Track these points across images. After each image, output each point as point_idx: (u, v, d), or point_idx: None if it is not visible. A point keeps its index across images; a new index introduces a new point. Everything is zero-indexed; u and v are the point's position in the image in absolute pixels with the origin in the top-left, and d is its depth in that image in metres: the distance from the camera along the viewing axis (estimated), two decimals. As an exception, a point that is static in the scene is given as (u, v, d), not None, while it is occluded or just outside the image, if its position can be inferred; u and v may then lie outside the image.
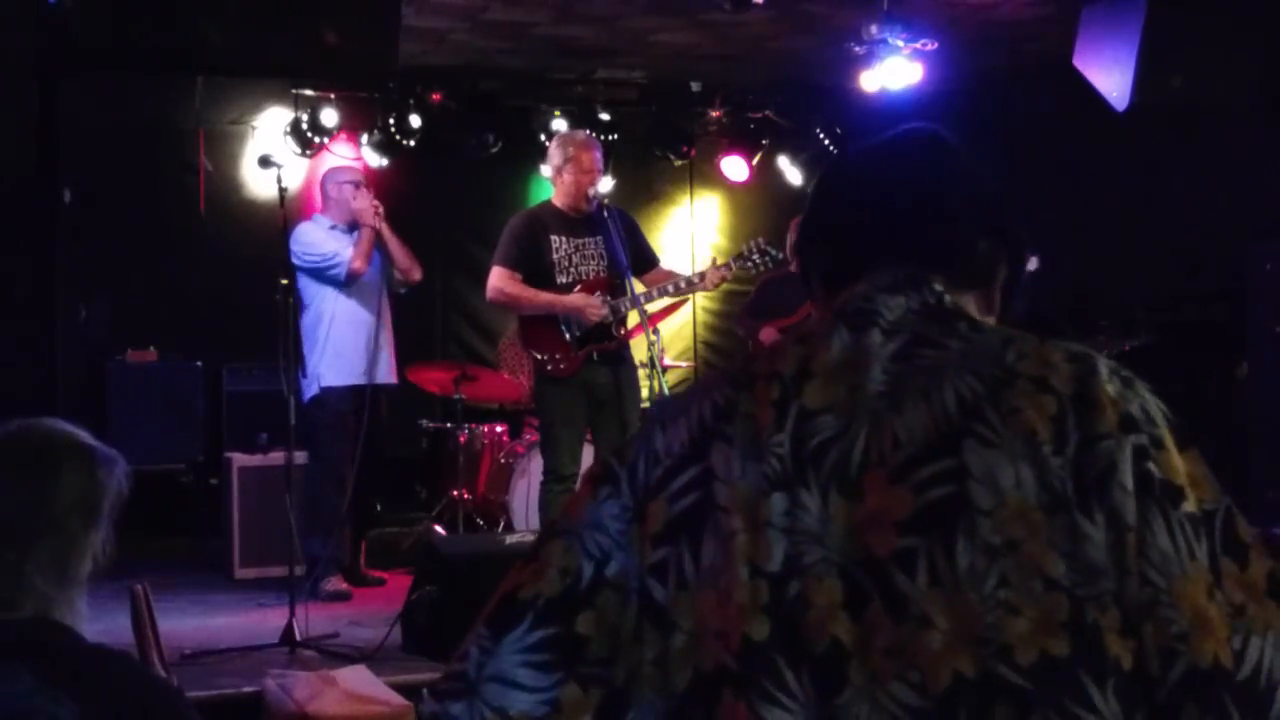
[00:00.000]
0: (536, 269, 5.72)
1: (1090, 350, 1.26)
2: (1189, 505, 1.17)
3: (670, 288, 5.84)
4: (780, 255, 6.16)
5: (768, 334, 6.99)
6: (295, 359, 5.71)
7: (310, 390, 6.19)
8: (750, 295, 7.57)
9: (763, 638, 1.16)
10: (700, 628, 1.20)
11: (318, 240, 6.22)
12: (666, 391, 6.13)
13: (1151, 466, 1.17)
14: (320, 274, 6.18)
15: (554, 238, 5.72)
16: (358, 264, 6.14)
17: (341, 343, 6.22)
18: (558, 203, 5.82)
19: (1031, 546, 1.14)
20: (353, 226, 6.30)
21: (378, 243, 6.20)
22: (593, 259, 5.76)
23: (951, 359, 1.23)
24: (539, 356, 5.74)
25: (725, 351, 9.73)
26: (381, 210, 6.20)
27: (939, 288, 1.31)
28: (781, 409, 1.24)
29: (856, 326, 1.27)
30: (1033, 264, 5.14)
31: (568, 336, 5.68)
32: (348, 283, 6.18)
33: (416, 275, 6.39)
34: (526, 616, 1.25)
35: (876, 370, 1.24)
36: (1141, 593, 1.14)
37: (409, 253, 6.34)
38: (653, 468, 1.29)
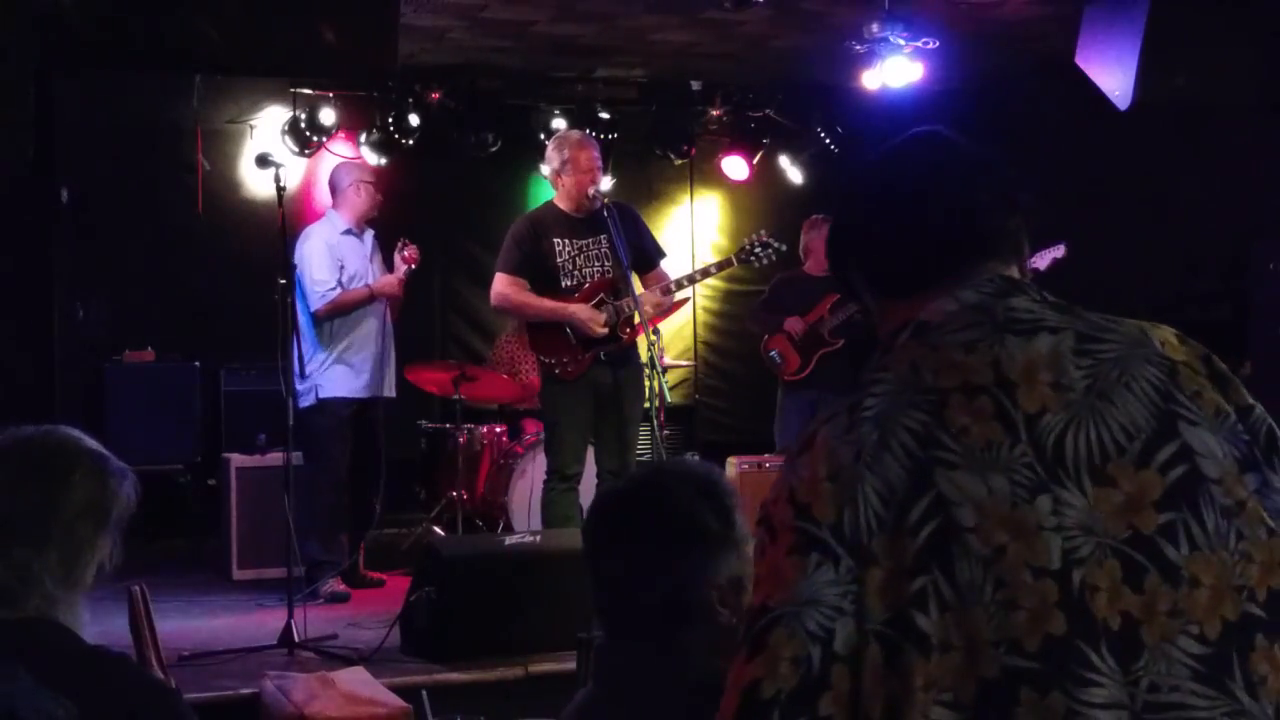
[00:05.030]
0: (540, 273, 5.72)
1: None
2: None
3: (673, 285, 5.84)
4: (783, 247, 6.16)
5: (793, 324, 7.22)
6: (295, 360, 5.67)
7: (307, 399, 6.15)
8: (765, 293, 7.64)
9: (1062, 631, 1.28)
10: (976, 642, 1.28)
11: (321, 262, 6.18)
12: (667, 392, 6.11)
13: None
14: (302, 293, 6.16)
15: (557, 241, 5.71)
16: (322, 310, 6.13)
17: (345, 353, 6.20)
18: (560, 204, 5.81)
19: (1251, 503, 1.37)
20: (364, 228, 6.31)
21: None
22: (596, 260, 5.75)
23: (1123, 351, 1.41)
24: (547, 360, 5.73)
25: (725, 351, 9.71)
26: (415, 259, 6.24)
27: (1026, 280, 1.49)
28: (1006, 420, 1.35)
29: (1022, 332, 1.40)
30: (1059, 251, 5.09)
31: (574, 340, 5.68)
32: (314, 316, 6.17)
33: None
34: (774, 715, 1.30)
35: (1070, 368, 1.38)
36: None
37: (398, 304, 6.38)
38: (876, 510, 1.32)
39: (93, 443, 1.99)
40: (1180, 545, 1.32)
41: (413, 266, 6.28)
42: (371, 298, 6.21)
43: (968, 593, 1.28)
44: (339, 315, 6.19)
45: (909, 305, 1.48)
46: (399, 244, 6.31)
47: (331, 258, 6.21)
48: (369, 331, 6.25)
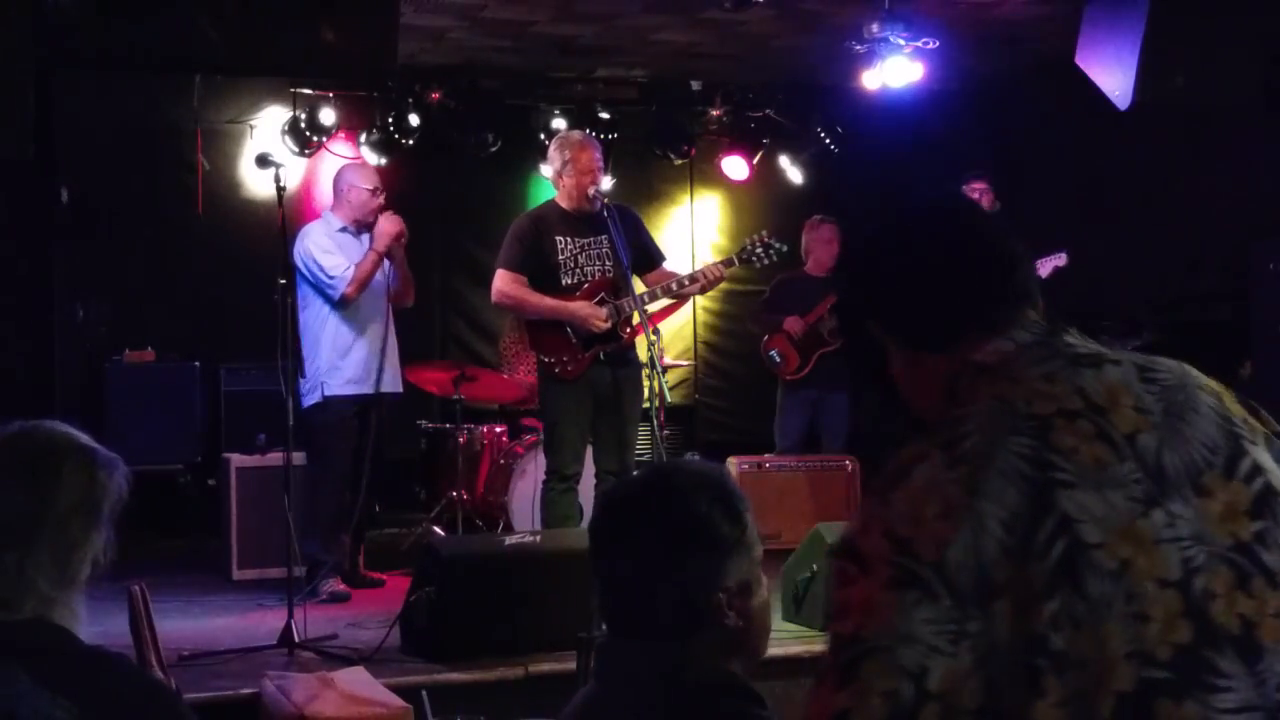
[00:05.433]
0: (541, 270, 5.71)
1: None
2: None
3: (674, 285, 5.82)
4: (784, 248, 6.16)
5: (793, 324, 7.31)
6: (294, 360, 5.67)
7: (312, 398, 6.14)
8: (766, 293, 7.66)
9: (1189, 640, 1.33)
10: (1110, 656, 1.32)
11: (325, 250, 6.14)
12: (667, 392, 6.11)
13: None
14: (316, 286, 6.14)
15: (559, 239, 5.71)
16: (350, 290, 6.08)
17: (347, 351, 6.17)
18: (562, 203, 5.81)
19: None
20: (361, 229, 6.27)
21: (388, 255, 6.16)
22: (597, 259, 5.75)
23: (1178, 380, 1.49)
24: (546, 359, 5.73)
25: (725, 351, 9.71)
26: (405, 238, 6.16)
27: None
28: (1108, 441, 1.41)
29: (1090, 365, 1.48)
30: (1061, 259, 5.12)
31: (574, 340, 5.67)
32: (338, 305, 6.14)
33: (408, 301, 6.36)
34: None
35: (1143, 394, 1.46)
36: None
37: (409, 277, 6.31)
38: (999, 539, 1.33)
39: (81, 436, 1.95)
40: (1272, 550, 1.40)
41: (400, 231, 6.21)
42: (380, 259, 6.14)
43: (1101, 608, 1.32)
44: (364, 290, 6.10)
45: (950, 356, 1.54)
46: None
47: (334, 244, 6.19)
48: (372, 328, 6.23)
